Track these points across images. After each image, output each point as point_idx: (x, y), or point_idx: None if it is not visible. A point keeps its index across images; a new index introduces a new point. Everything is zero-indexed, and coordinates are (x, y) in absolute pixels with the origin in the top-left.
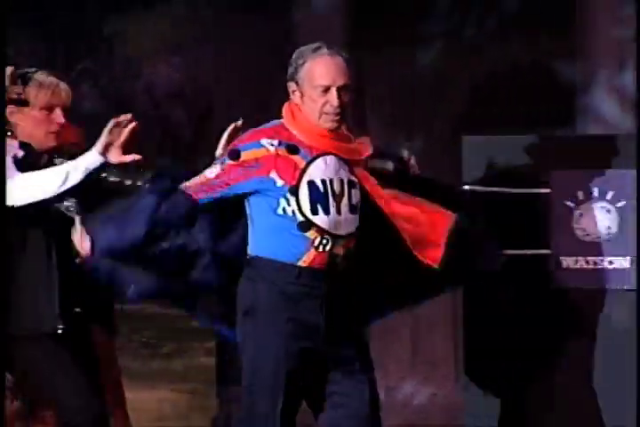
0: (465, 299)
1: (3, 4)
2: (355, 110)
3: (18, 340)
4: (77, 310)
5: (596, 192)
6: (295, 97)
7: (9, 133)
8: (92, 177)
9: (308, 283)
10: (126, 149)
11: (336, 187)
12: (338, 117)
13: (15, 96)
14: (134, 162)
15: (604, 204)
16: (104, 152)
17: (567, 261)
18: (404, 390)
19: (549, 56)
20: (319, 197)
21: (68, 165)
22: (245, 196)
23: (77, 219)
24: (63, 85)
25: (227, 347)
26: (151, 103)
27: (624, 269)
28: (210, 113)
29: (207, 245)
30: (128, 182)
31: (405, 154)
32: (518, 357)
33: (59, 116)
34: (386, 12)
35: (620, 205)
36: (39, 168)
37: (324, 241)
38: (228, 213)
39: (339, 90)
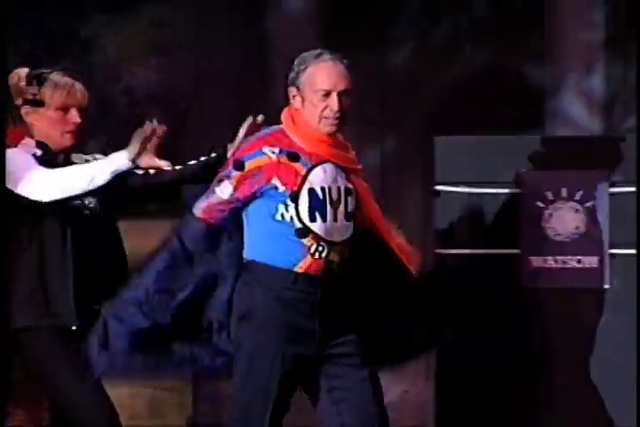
0: (435, 298)
1: (3, 3)
2: None
3: (27, 331)
4: (96, 307)
5: (564, 192)
6: (295, 102)
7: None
8: (118, 178)
9: (304, 289)
10: (155, 154)
11: (334, 194)
12: (337, 122)
13: (31, 97)
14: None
15: (572, 204)
16: (134, 157)
17: (536, 261)
18: None
19: (519, 59)
20: (318, 205)
21: (96, 166)
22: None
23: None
24: (78, 86)
25: None
26: (130, 104)
27: (593, 268)
28: (188, 114)
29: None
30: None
31: None
32: (489, 355)
33: (74, 116)
34: (358, 13)
35: (588, 205)
36: (57, 167)
37: (320, 248)
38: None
39: (339, 95)
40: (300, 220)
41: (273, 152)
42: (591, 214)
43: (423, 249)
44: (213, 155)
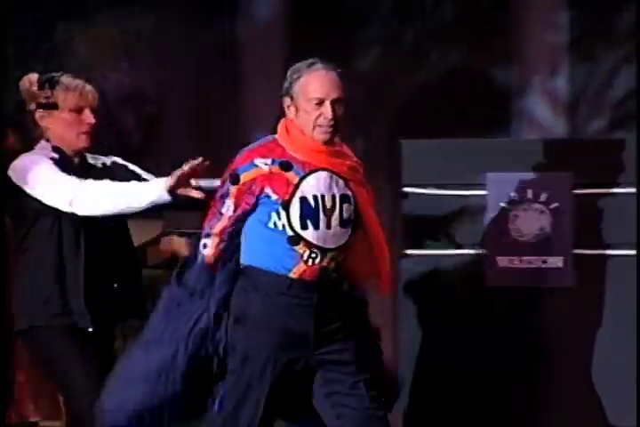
0: (403, 299)
1: (3, 3)
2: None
3: (39, 330)
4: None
5: (530, 194)
6: (290, 112)
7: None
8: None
9: (298, 294)
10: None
11: (327, 202)
12: (331, 130)
13: (44, 100)
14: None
15: (537, 205)
16: (172, 189)
17: (502, 261)
18: None
19: (485, 62)
20: (310, 213)
21: (134, 192)
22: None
23: None
24: (89, 87)
25: None
26: (101, 107)
27: (558, 268)
28: (159, 117)
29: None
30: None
31: None
32: (457, 356)
33: (88, 116)
34: (325, 18)
35: (553, 206)
36: (72, 171)
37: (314, 255)
38: None
39: (332, 103)
40: (291, 228)
41: (265, 164)
42: (556, 216)
43: (391, 249)
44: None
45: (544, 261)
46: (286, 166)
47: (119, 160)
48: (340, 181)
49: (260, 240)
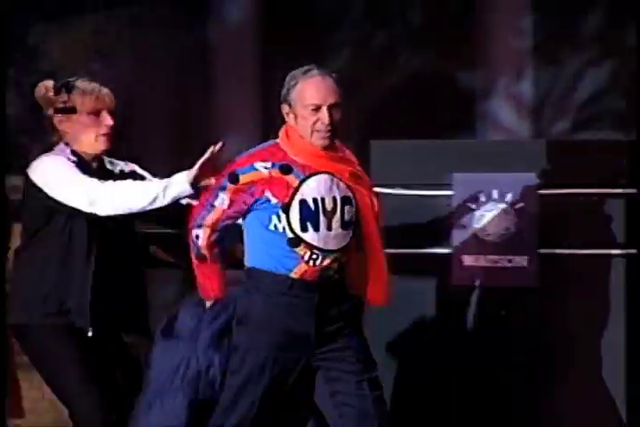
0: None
1: (3, 3)
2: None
3: (34, 329)
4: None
5: (495, 194)
6: (289, 118)
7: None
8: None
9: (300, 294)
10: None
11: (328, 205)
12: (329, 135)
13: (62, 105)
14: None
15: (503, 205)
16: (195, 181)
17: (468, 260)
18: None
19: (451, 66)
20: (309, 215)
21: (157, 188)
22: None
23: None
24: (105, 90)
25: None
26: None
27: (522, 268)
28: (130, 120)
29: None
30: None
31: None
32: (424, 355)
33: (106, 118)
34: (296, 22)
35: (518, 206)
36: (90, 175)
37: (315, 256)
38: None
39: (329, 108)
40: (291, 230)
41: (265, 167)
42: (521, 216)
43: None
44: None
45: (509, 261)
46: (286, 169)
47: (137, 169)
48: (342, 184)
49: (262, 242)
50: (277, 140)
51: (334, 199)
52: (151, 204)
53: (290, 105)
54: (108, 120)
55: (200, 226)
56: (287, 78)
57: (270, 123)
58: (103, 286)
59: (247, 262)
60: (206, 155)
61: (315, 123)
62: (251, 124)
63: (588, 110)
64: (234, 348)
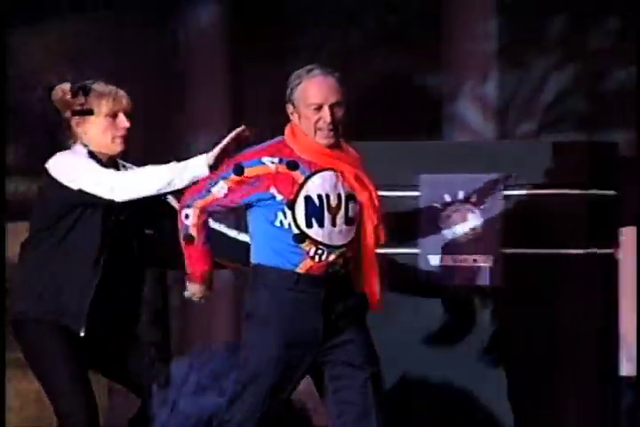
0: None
1: (3, 3)
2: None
3: (29, 324)
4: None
5: (461, 195)
6: (294, 118)
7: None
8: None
9: (306, 289)
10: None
11: (332, 201)
12: (332, 133)
13: (79, 108)
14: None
15: (468, 206)
16: (214, 163)
17: (435, 260)
18: None
19: (417, 68)
20: (314, 211)
21: (175, 169)
22: (247, 206)
23: None
24: (122, 93)
25: None
26: (47, 113)
27: (487, 267)
28: None
29: None
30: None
31: None
32: (396, 355)
33: (123, 120)
34: (266, 25)
35: (483, 207)
36: None
37: (320, 251)
38: None
39: (331, 107)
40: (297, 226)
41: (272, 162)
42: (486, 216)
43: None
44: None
45: (475, 260)
46: (293, 165)
47: None
48: (346, 181)
49: (267, 238)
50: (284, 138)
51: (339, 196)
52: (169, 185)
53: (293, 104)
54: (125, 122)
55: (189, 206)
56: (290, 78)
57: (238, 124)
58: (104, 289)
59: (253, 259)
60: (228, 138)
61: (317, 121)
62: (220, 124)
63: (552, 112)
64: (243, 344)
